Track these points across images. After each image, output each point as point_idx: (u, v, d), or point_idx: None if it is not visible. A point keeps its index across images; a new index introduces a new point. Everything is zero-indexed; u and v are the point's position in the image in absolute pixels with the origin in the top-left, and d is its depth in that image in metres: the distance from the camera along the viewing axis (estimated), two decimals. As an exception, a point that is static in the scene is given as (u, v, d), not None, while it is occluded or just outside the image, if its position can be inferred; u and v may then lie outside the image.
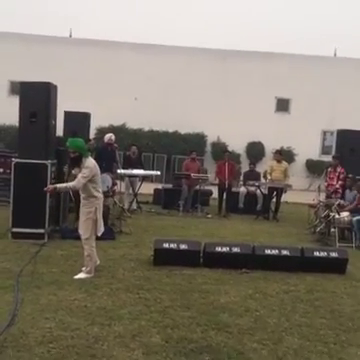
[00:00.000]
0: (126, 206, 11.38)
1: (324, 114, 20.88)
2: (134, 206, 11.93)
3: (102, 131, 17.52)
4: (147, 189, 13.41)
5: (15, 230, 7.85)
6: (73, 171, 6.57)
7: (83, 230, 6.31)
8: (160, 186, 13.96)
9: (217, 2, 28.34)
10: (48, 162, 7.94)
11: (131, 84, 20.12)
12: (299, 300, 5.85)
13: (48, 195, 7.84)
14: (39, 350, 3.98)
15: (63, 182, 8.32)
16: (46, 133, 7.99)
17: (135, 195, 11.84)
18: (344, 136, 12.89)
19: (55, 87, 8.23)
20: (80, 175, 6.10)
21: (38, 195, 7.83)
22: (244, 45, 21.23)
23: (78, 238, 7.50)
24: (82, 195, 6.31)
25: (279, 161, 12.67)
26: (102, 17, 27.55)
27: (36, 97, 7.88)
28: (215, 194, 13.33)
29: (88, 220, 6.26)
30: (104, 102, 18.74)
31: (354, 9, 27.77)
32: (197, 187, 12.52)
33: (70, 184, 6.20)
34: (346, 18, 27.66)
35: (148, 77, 20.11)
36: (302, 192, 18.05)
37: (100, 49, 20.75)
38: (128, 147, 12.85)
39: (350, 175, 10.55)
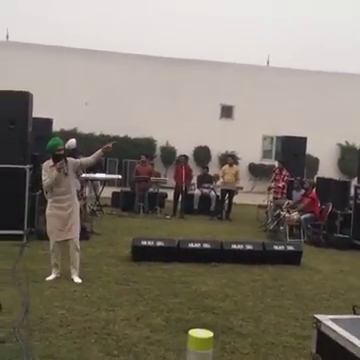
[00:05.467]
0: (89, 209, 11.87)
1: (264, 120, 22.19)
2: (94, 209, 12.43)
3: (54, 136, 17.73)
4: (103, 192, 13.91)
5: (-5, 232, 8.23)
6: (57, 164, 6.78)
7: (77, 230, 6.66)
8: (118, 189, 14.53)
9: (167, 11, 29.20)
10: (26, 167, 8.39)
11: (81, 89, 20.48)
12: (267, 287, 6.72)
13: (27, 198, 8.30)
14: (62, 331, 4.57)
15: (39, 186, 8.84)
16: (24, 139, 8.43)
17: (97, 198, 12.37)
18: (288, 142, 14.11)
19: (31, 96, 8.67)
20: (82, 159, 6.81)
21: (17, 198, 8.30)
22: (191, 54, 22.11)
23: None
24: (68, 196, 6.52)
25: (231, 165, 13.66)
26: (50, 22, 27.56)
27: (14, 105, 8.32)
28: (170, 196, 14.10)
29: (78, 220, 6.72)
30: (54, 107, 18.95)
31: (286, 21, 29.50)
32: (151, 189, 13.30)
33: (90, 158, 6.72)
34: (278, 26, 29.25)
35: (98, 83, 20.56)
36: (247, 194, 19.17)
37: (48, 54, 20.94)
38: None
39: (298, 177, 11.66)
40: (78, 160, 6.78)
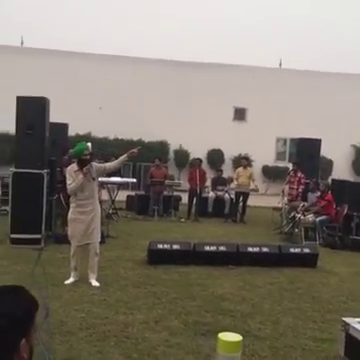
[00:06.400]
0: (105, 213, 11.96)
1: (277, 122, 22.16)
2: (110, 212, 12.53)
3: (69, 140, 17.89)
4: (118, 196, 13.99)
5: (13, 236, 8.34)
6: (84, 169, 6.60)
7: (98, 234, 6.74)
8: (133, 193, 14.61)
9: (179, 14, 29.36)
10: (44, 172, 8.49)
11: (95, 94, 20.63)
12: (284, 290, 6.73)
13: (44, 202, 8.41)
14: (82, 334, 4.63)
15: (55, 191, 8.96)
16: (42, 144, 8.54)
17: (112, 202, 12.46)
18: (303, 144, 14.08)
19: (49, 101, 8.79)
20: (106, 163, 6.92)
21: (35, 202, 8.41)
22: (204, 57, 22.22)
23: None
24: (91, 200, 6.53)
25: (245, 167, 13.67)
26: (58, 27, 27.84)
27: (32, 110, 8.43)
28: (184, 199, 14.15)
29: (99, 224, 6.77)
30: (68, 112, 19.12)
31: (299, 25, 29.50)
32: (165, 193, 13.35)
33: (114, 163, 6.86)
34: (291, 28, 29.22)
35: (111, 87, 20.71)
36: (261, 196, 19.14)
37: (62, 59, 21.13)
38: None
39: (314, 179, 11.64)
40: (102, 165, 6.83)
